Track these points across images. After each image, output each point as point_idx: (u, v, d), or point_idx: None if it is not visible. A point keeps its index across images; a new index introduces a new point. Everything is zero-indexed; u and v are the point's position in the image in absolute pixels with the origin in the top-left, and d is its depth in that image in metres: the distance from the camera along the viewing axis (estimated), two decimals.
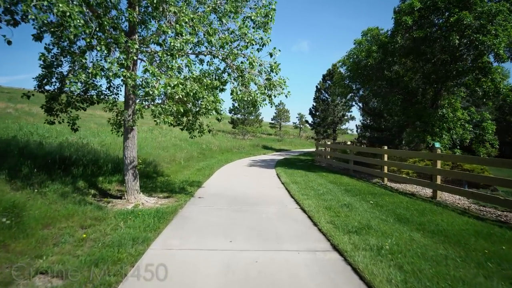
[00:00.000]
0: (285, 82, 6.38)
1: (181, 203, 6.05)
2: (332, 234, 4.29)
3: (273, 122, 47.27)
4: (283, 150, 27.07)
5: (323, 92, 25.91)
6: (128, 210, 5.15)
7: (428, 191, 8.54)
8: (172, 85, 4.61)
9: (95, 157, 8.27)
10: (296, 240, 4.17)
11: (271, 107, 6.88)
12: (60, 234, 3.87)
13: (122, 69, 4.60)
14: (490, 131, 11.62)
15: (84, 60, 4.67)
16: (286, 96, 6.26)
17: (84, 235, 3.79)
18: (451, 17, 9.87)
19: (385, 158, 10.21)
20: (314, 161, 16.64)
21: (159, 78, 4.61)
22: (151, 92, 4.57)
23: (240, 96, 6.10)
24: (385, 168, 10.18)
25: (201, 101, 6.03)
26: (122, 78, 4.81)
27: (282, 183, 9.08)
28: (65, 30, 4.32)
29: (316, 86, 26.62)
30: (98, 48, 4.62)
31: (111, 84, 6.05)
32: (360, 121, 26.82)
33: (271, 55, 6.02)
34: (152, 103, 5.69)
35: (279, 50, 6.01)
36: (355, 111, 31.14)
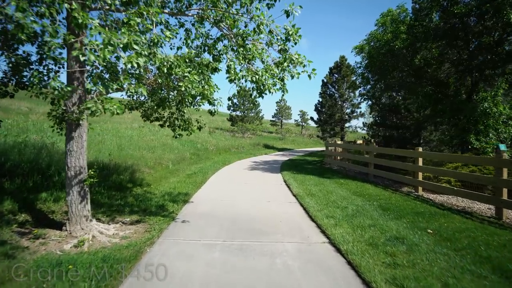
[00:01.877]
0: (305, 58, 4.37)
1: (153, 236, 4.05)
2: None
3: (274, 119, 45.23)
4: (285, 149, 25.08)
5: (329, 86, 23.71)
6: (55, 259, 3.14)
7: (482, 207, 6.57)
8: (121, 44, 2.59)
9: (49, 163, 6.25)
10: None
11: (283, 94, 4.91)
12: None
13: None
14: None
15: None
16: (309, 76, 4.23)
17: None
18: None
19: (420, 163, 8.23)
20: (324, 163, 14.65)
21: (96, 31, 2.57)
22: (81, 58, 2.56)
23: (240, 75, 4.10)
24: (420, 175, 8.21)
25: (182, 82, 4.02)
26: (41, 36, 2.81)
27: (294, 195, 7.09)
28: None
29: (322, 80, 24.37)
30: None
31: (43, 57, 3.98)
32: (372, 117, 24.81)
33: (287, 14, 4.00)
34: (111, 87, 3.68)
35: (300, 7, 4.00)
36: (364, 108, 28.99)
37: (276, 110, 44.84)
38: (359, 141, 20.67)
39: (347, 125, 24.81)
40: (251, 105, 33.12)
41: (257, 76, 4.09)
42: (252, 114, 33.43)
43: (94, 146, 9.60)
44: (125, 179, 7.17)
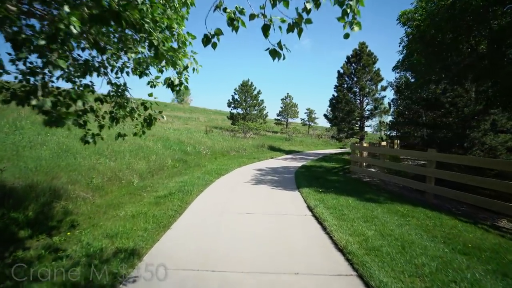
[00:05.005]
0: None
1: None
2: None
3: (278, 118, 41.73)
4: (294, 151, 21.71)
5: (346, 78, 19.97)
6: None
7: None
8: None
9: None
10: None
11: (351, 29, 1.64)
12: None
13: None
14: None
15: None
16: None
17: None
18: None
19: None
20: (350, 172, 11.29)
21: None
22: None
23: None
24: None
25: None
26: None
27: (341, 251, 3.74)
28: None
29: (338, 71, 20.45)
30: None
31: None
32: (390, 115, 21.31)
33: None
34: None
35: None
36: (387, 103, 23.88)
37: (281, 107, 41.35)
38: (383, 143, 17.34)
39: (367, 123, 21.23)
40: (254, 101, 29.77)
41: None
42: (255, 112, 30.10)
43: (19, 152, 6.30)
44: (23, 218, 3.84)
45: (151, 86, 3.24)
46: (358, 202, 6.18)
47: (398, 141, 20.53)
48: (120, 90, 3.17)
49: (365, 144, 14.19)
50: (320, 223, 4.88)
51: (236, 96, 29.99)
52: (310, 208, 5.75)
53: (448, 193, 6.53)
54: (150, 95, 3.03)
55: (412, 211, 5.68)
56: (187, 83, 2.67)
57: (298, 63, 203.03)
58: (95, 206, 5.00)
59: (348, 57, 19.74)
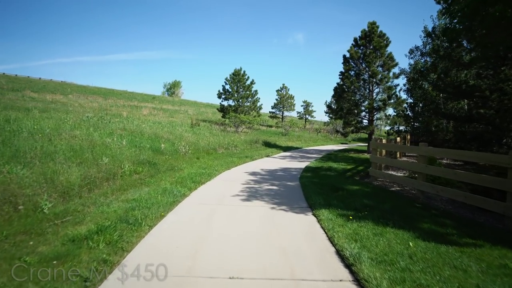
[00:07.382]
0: None
1: None
2: None
3: (273, 111, 39.03)
4: (292, 148, 19.17)
5: (353, 64, 17.17)
6: None
7: None
8: None
9: None
10: None
11: None
12: None
13: None
14: None
15: None
16: None
17: None
18: None
19: None
20: (369, 176, 8.76)
21: None
22: None
23: None
24: None
25: None
26: None
27: None
28: None
29: (344, 56, 17.41)
30: None
31: None
32: (394, 110, 18.83)
33: None
34: None
35: None
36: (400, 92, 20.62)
37: (276, 99, 38.64)
38: (398, 139, 14.92)
39: (378, 116, 18.51)
40: (247, 92, 27.07)
41: None
42: (248, 104, 27.41)
43: None
44: None
45: None
46: (423, 244, 3.61)
47: (409, 137, 18.16)
48: None
49: (384, 141, 11.69)
50: None
51: (227, 86, 27.22)
52: (346, 262, 3.16)
53: None
54: None
55: None
56: None
57: (293, 58, 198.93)
58: None
59: (355, 39, 17.06)
